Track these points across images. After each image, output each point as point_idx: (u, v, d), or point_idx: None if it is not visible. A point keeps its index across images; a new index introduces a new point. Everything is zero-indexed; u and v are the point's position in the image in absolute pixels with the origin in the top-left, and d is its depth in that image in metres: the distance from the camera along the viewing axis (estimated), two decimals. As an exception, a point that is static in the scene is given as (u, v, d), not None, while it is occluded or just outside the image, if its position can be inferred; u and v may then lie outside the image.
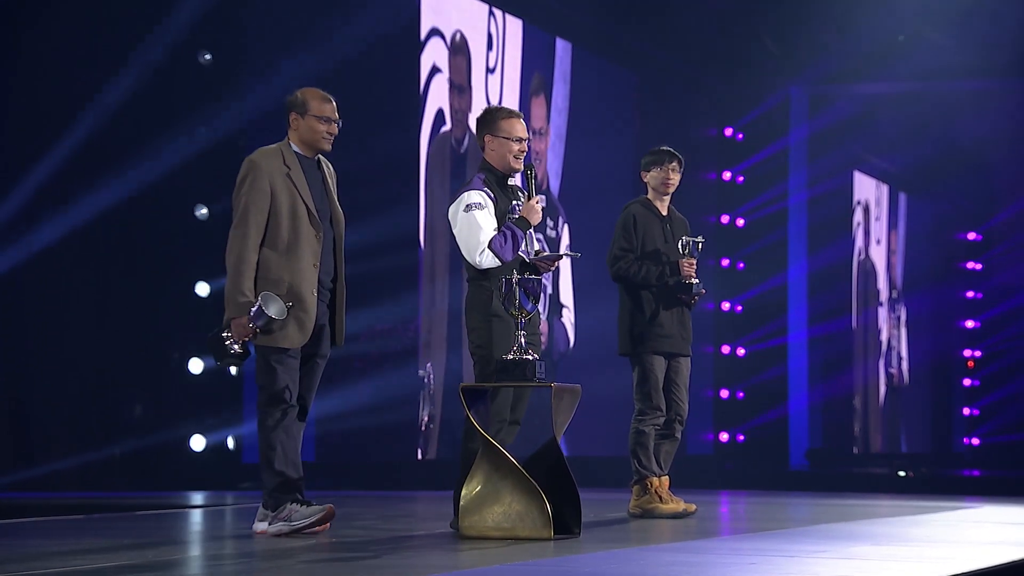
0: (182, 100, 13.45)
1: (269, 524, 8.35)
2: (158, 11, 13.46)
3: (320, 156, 8.60)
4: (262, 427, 8.32)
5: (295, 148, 8.44)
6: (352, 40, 14.25)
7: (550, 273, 9.04)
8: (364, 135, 13.84)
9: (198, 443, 13.70)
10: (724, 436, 21.62)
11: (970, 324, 27.16)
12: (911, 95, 23.32)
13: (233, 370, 8.50)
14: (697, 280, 10.54)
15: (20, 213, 12.97)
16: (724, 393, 21.56)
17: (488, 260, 8.69)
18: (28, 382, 13.19)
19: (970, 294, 27.21)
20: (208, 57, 14.01)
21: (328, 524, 8.31)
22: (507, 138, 8.91)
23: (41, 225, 12.94)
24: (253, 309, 7.95)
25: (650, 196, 10.68)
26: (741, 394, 21.85)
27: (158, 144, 13.18)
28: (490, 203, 8.79)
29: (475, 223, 8.72)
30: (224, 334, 8.12)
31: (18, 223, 13.01)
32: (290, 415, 8.35)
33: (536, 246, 8.94)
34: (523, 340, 8.58)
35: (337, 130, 8.55)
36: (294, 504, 8.24)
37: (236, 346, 8.12)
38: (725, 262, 21.13)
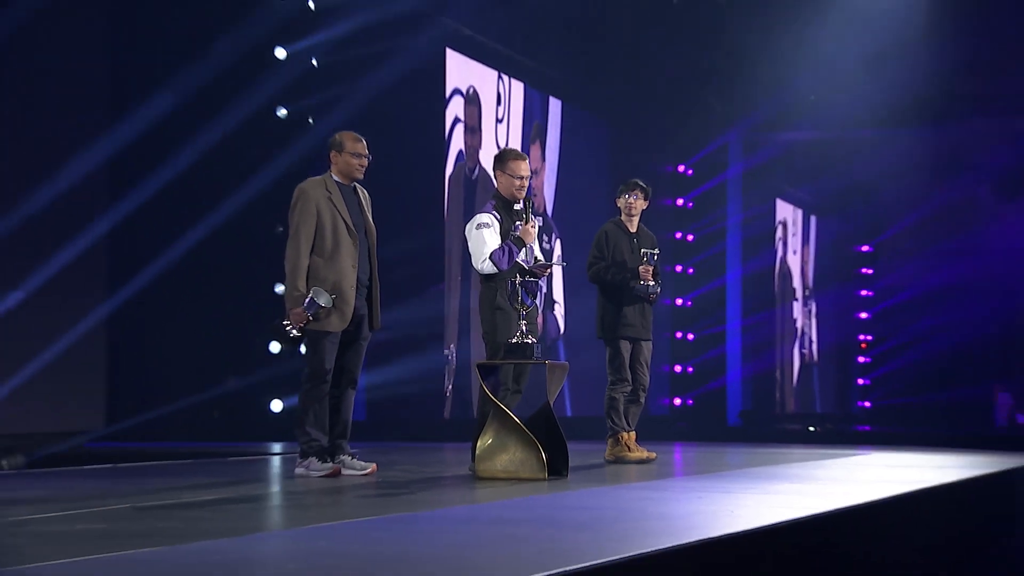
0: (262, 144, 13.42)
1: (296, 468, 8.55)
2: (249, 74, 13.46)
3: (356, 183, 8.73)
4: (302, 396, 8.55)
5: (335, 178, 8.64)
6: (394, 96, 14.23)
7: (545, 277, 9.03)
8: (403, 169, 13.88)
9: (276, 406, 13.73)
10: (677, 401, 21.62)
11: (864, 315, 27.06)
12: (819, 141, 23.29)
13: (303, 348, 8.48)
14: (653, 283, 10.53)
15: (154, 227, 13.11)
16: (677, 368, 21.57)
17: (488, 267, 8.91)
18: (154, 359, 13.28)
19: (864, 292, 27.10)
20: (284, 112, 13.96)
21: (339, 476, 8.39)
22: (512, 175, 9.07)
23: (168, 238, 13.02)
24: (306, 300, 8.15)
25: (622, 217, 10.69)
26: (691, 369, 21.84)
27: (248, 176, 13.16)
28: (496, 223, 8.96)
29: (482, 239, 8.92)
30: (284, 322, 8.30)
31: (153, 234, 13.12)
32: (325, 388, 8.52)
33: (537, 254, 9.00)
34: (524, 328, 8.66)
35: (367, 163, 8.69)
36: (314, 458, 8.42)
37: (294, 331, 8.29)
38: (679, 268, 21.13)
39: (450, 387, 15.10)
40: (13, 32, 11.67)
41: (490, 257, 8.82)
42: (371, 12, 14.12)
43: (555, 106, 18.31)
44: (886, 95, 19.74)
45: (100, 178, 12.71)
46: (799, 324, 25.66)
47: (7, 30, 11.58)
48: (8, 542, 5.21)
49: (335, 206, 8.46)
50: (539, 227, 9.13)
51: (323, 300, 8.18)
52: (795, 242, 25.64)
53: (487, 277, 9.03)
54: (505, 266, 8.84)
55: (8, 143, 11.88)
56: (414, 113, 15.13)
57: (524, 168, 9.14)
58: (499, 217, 8.98)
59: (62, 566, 4.40)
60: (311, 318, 8.23)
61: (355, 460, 8.68)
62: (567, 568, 4.04)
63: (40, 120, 12.21)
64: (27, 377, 11.77)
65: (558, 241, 17.71)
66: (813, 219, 26.32)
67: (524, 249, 8.94)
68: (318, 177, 8.66)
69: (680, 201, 21.89)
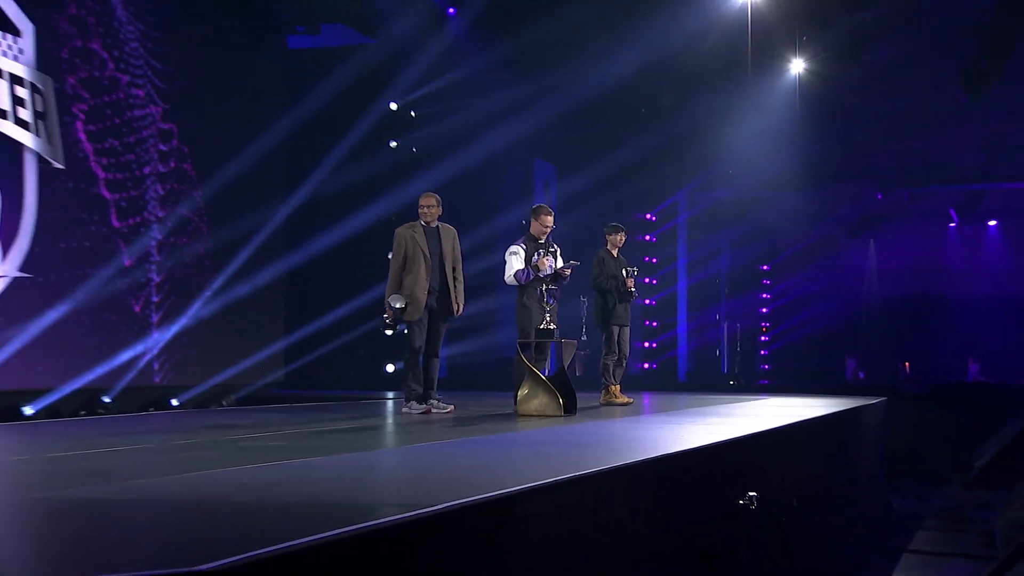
0: (380, 177, 13.36)
1: (402, 408, 8.60)
2: (363, 111, 13.23)
3: (438, 224, 8.68)
4: (405, 362, 8.61)
5: (420, 222, 8.62)
6: (480, 158, 14.23)
7: (564, 281, 9.07)
8: (490, 211, 13.84)
9: (390, 368, 13.76)
10: (645, 365, 21.60)
11: (764, 310, 26.97)
12: (735, 199, 23.29)
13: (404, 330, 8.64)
14: (633, 289, 10.60)
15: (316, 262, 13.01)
16: (645, 344, 21.58)
17: (511, 281, 8.92)
18: (315, 336, 13.13)
19: (764, 295, 27.00)
20: (393, 144, 13.91)
21: (429, 414, 8.39)
22: (542, 224, 9.05)
23: (302, 248, 12.95)
24: (391, 303, 8.29)
25: (609, 247, 10.69)
26: (654, 344, 21.89)
27: (368, 204, 13.12)
28: (521, 252, 8.94)
29: (510, 263, 8.91)
30: (384, 316, 8.53)
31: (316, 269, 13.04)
32: (419, 355, 8.55)
33: (560, 263, 9.00)
34: (547, 319, 8.68)
35: (431, 212, 8.63)
36: (413, 402, 8.46)
37: (388, 320, 8.54)
38: (647, 280, 21.07)
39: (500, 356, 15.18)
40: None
41: (513, 275, 8.88)
42: (468, 112, 14.15)
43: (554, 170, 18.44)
44: (778, 168, 19.95)
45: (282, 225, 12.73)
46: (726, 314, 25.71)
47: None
48: (231, 453, 5.30)
49: (416, 240, 8.49)
50: (558, 252, 9.16)
51: (397, 303, 8.33)
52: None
53: (517, 286, 9.03)
54: (523, 282, 8.86)
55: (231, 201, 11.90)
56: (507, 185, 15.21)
57: (550, 220, 9.13)
58: (525, 248, 8.95)
59: (259, 469, 4.50)
60: (395, 315, 8.39)
61: (440, 403, 8.64)
62: (577, 473, 4.06)
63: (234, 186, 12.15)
64: (238, 347, 11.85)
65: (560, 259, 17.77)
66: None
67: (548, 267, 8.96)
68: (410, 222, 8.67)
69: (648, 236, 21.89)
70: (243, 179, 11.77)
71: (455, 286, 8.73)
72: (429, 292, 8.48)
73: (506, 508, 3.42)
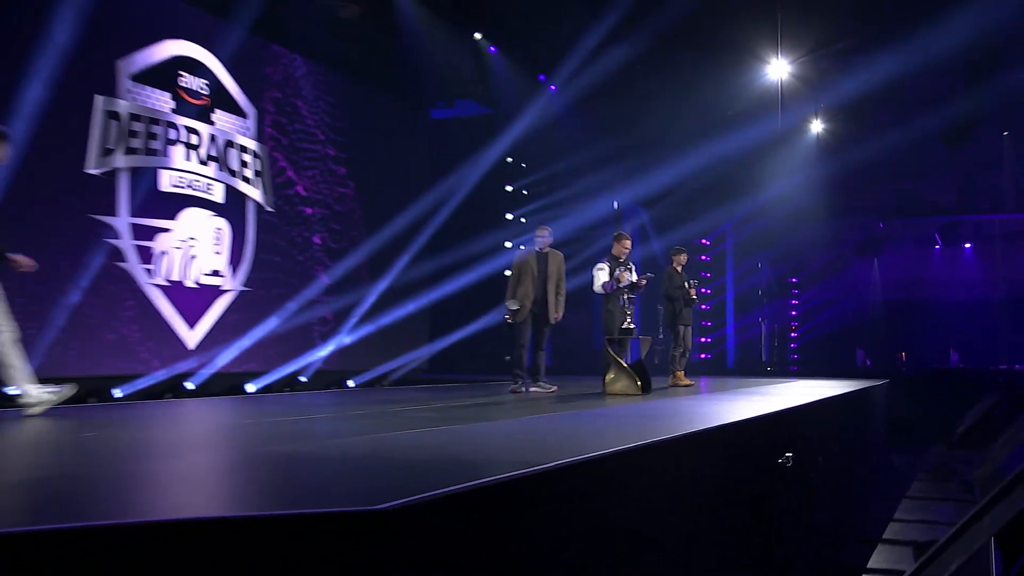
0: (499, 213, 13.21)
1: (509, 388, 8.55)
2: (486, 162, 13.11)
3: (548, 250, 8.53)
4: (512, 353, 8.52)
5: (535, 249, 8.47)
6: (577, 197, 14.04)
7: (640, 290, 8.93)
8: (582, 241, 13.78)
9: (507, 357, 13.73)
10: (702, 355, 21.28)
11: (793, 312, 26.47)
12: (773, 227, 22.97)
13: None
14: (695, 296, 10.50)
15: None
16: (702, 339, 21.27)
17: (599, 290, 8.73)
18: (454, 332, 13.11)
19: (794, 301, 26.50)
20: (509, 188, 13.81)
21: (530, 392, 8.23)
22: (622, 246, 8.90)
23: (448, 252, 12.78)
24: (507, 306, 8.25)
25: (674, 264, 10.56)
26: (708, 339, 21.56)
27: (490, 233, 13.11)
28: (606, 267, 8.76)
29: (598, 276, 8.72)
30: (504, 316, 8.46)
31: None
32: (523, 349, 8.48)
33: (633, 279, 8.87)
34: (628, 320, 8.58)
35: (544, 241, 8.49)
36: (519, 382, 8.39)
37: (507, 320, 8.44)
38: (703, 290, 20.71)
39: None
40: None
41: (601, 285, 8.75)
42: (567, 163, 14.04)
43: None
44: (802, 203, 19.75)
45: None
46: (765, 316, 25.23)
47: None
48: (391, 420, 5.36)
49: (528, 262, 8.39)
50: (633, 268, 9.04)
51: (512, 306, 8.32)
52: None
53: (606, 296, 8.87)
54: (609, 291, 8.71)
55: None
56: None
57: (628, 243, 9.02)
58: (608, 264, 8.85)
59: (412, 434, 4.49)
60: (510, 316, 8.34)
61: (545, 385, 8.55)
62: (653, 439, 4.03)
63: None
64: (395, 344, 11.92)
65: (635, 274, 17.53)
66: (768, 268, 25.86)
67: (627, 279, 8.85)
68: (527, 248, 8.59)
69: (704, 257, 21.60)
70: (397, 218, 11.91)
71: (556, 299, 8.56)
72: (533, 302, 8.40)
73: (599, 466, 3.40)
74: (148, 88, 8.32)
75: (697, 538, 4.33)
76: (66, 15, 7.64)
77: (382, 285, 11.62)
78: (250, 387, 9.32)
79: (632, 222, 17.75)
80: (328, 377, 10.62)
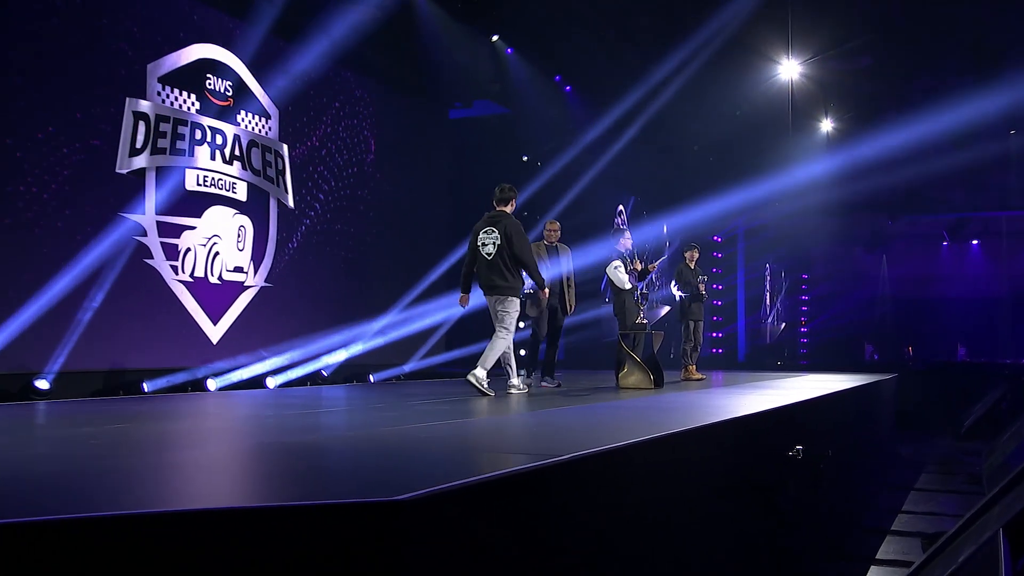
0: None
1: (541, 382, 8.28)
2: (503, 161, 13.01)
3: (557, 243, 8.41)
4: (528, 346, 8.32)
5: (545, 242, 8.38)
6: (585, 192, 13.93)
7: (651, 276, 8.87)
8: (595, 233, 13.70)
9: (522, 352, 13.64)
10: (714, 349, 21.21)
11: (805, 308, 26.39)
12: (783, 224, 22.87)
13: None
14: (704, 292, 10.48)
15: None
16: (714, 334, 21.18)
17: (627, 285, 8.68)
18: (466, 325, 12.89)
19: (804, 297, 26.42)
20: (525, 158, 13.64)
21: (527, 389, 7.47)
22: (624, 241, 8.86)
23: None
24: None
25: (687, 261, 10.58)
26: (720, 334, 21.47)
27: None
28: (622, 264, 8.73)
29: (616, 274, 8.71)
30: (528, 292, 7.81)
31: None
32: (539, 342, 8.37)
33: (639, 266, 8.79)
34: (642, 315, 8.54)
35: (554, 235, 8.35)
36: (539, 375, 8.17)
37: (530, 293, 7.94)
38: (715, 286, 20.73)
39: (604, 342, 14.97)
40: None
41: (627, 280, 8.69)
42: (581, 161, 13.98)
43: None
44: (812, 199, 19.69)
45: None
46: (772, 315, 25.09)
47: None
48: (409, 413, 5.34)
49: (540, 256, 8.03)
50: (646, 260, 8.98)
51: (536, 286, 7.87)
52: (772, 274, 25.07)
53: (619, 290, 8.79)
54: (635, 283, 8.68)
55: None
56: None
57: (628, 238, 8.98)
58: (620, 261, 8.82)
59: (423, 427, 4.47)
60: (541, 296, 7.64)
61: (550, 380, 8.35)
62: (665, 432, 3.99)
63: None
64: (412, 340, 11.87)
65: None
66: (779, 265, 25.70)
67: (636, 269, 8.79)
68: (536, 242, 8.30)
69: (717, 254, 21.53)
70: (416, 216, 11.89)
71: (568, 291, 8.41)
72: (550, 296, 8.05)
73: (615, 457, 3.38)
74: (175, 90, 8.34)
75: (710, 528, 4.29)
76: (100, 21, 7.67)
77: (406, 282, 11.55)
78: (271, 381, 9.32)
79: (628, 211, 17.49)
80: (347, 371, 10.60)
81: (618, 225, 9.10)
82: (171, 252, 8.29)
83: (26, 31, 7.06)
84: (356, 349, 10.68)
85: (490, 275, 6.98)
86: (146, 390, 7.84)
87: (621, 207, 16.86)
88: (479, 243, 7.08)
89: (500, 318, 7.01)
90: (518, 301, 7.09)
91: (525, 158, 13.82)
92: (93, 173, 7.56)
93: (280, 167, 9.68)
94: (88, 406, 5.96)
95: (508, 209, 7.17)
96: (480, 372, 6.88)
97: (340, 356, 10.38)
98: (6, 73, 6.93)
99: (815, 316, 26.49)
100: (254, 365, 9.17)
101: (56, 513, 2.16)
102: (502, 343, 7.00)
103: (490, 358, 6.96)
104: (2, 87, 6.90)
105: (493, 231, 7.04)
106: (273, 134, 9.60)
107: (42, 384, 7.05)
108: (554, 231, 8.48)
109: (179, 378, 8.28)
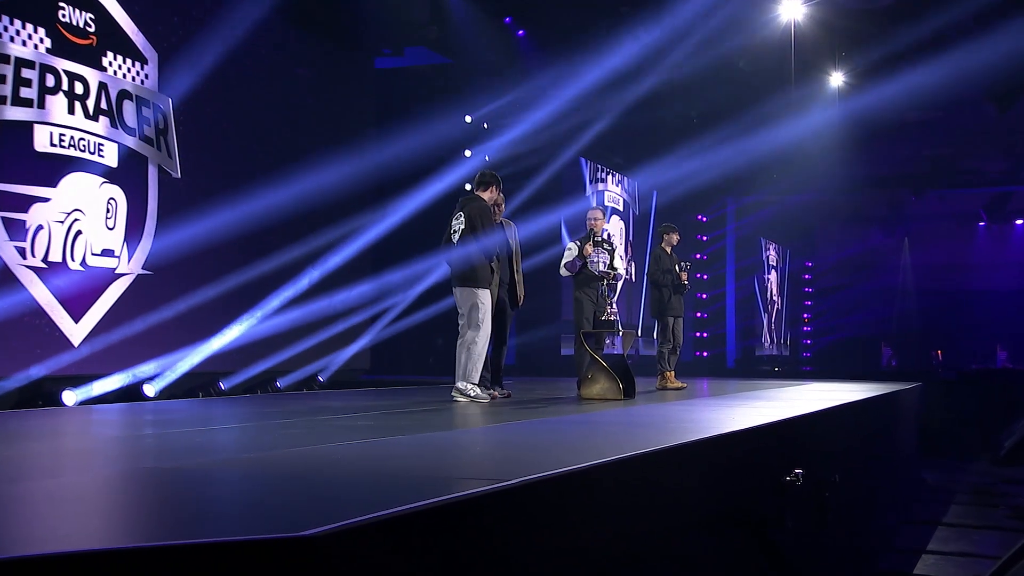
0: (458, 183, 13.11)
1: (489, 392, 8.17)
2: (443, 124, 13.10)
3: (501, 219, 8.37)
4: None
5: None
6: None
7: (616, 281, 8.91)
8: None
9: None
10: (698, 353, 21.50)
11: (808, 303, 26.84)
12: (783, 200, 23.16)
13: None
14: (687, 283, 10.60)
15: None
16: (698, 334, 21.47)
17: (562, 271, 9.07)
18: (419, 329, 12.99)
19: (808, 289, 26.87)
20: (467, 153, 13.66)
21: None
22: (593, 220, 8.96)
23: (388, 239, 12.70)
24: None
25: (663, 245, 10.74)
26: (705, 334, 21.77)
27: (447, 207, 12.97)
28: (575, 247, 8.96)
29: (565, 255, 9.00)
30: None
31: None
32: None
33: (618, 265, 8.88)
34: (610, 311, 8.60)
35: (499, 211, 8.29)
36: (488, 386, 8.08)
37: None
38: (699, 275, 20.99)
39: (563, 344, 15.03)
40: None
41: (564, 266, 8.95)
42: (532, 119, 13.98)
43: (627, 182, 18.24)
44: (818, 171, 19.90)
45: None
46: (773, 311, 25.41)
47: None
48: (322, 431, 5.32)
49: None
50: (617, 252, 9.05)
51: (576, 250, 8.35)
52: (773, 258, 25.40)
53: (577, 280, 8.94)
54: (572, 272, 8.95)
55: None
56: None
57: (599, 217, 9.15)
58: (579, 243, 8.99)
59: (335, 449, 4.47)
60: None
61: (499, 389, 8.33)
62: (637, 451, 4.04)
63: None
64: (332, 340, 11.78)
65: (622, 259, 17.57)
66: (782, 250, 26.10)
67: (599, 260, 8.87)
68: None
69: (703, 237, 21.80)
70: (337, 187, 11.81)
71: (516, 278, 8.46)
72: (499, 284, 8.21)
73: (574, 482, 3.41)
74: (16, 22, 8.15)
75: (690, 564, 4.35)
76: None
77: (315, 265, 11.46)
78: (149, 389, 9.24)
79: (592, 187, 17.56)
80: (251, 378, 10.53)
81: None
82: (16, 230, 8.13)
83: None
84: (257, 345, 10.60)
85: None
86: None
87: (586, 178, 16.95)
88: (450, 229, 7.80)
89: (467, 314, 7.52)
90: (476, 291, 7.52)
91: (469, 118, 13.81)
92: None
93: (161, 125, 9.55)
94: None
95: (485, 195, 7.89)
96: (462, 384, 7.57)
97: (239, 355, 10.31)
98: None
99: (820, 312, 26.84)
100: (131, 371, 9.07)
101: None
102: (477, 345, 7.50)
103: (470, 368, 7.53)
104: None
105: (460, 215, 7.74)
106: (151, 83, 9.47)
107: None
108: (498, 206, 8.47)
109: (27, 387, 8.16)
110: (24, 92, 8.17)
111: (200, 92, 10.02)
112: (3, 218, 8.04)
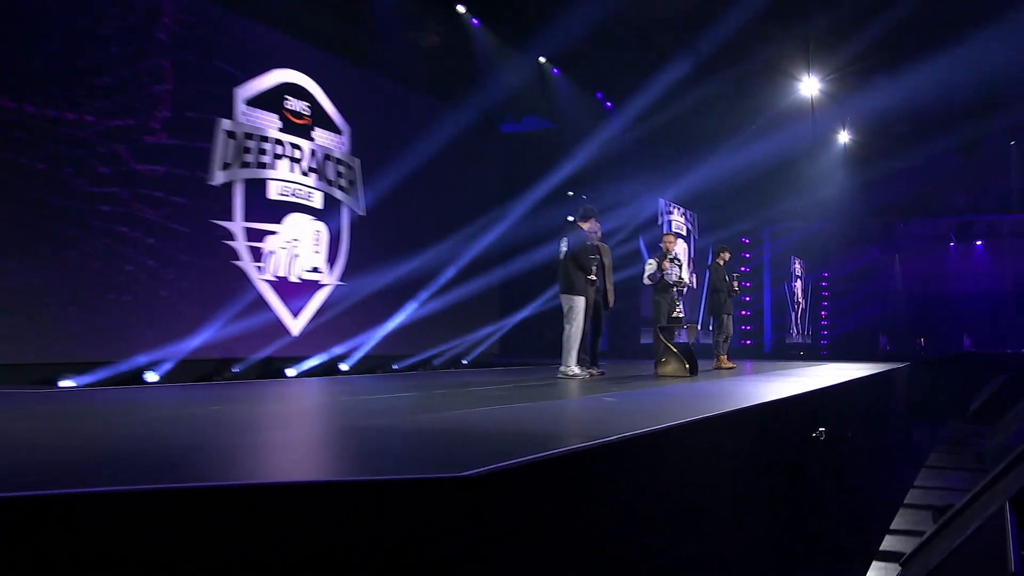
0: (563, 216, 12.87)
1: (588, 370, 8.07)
2: (550, 172, 12.77)
3: (598, 244, 8.09)
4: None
5: (586, 241, 7.82)
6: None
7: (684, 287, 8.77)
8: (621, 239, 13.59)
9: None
10: (744, 341, 20.97)
11: (825, 304, 26.05)
12: (810, 230, 22.62)
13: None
14: (737, 288, 10.40)
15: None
16: (743, 327, 20.95)
17: (645, 281, 8.82)
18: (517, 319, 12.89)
19: (825, 294, 26.07)
20: (571, 193, 13.34)
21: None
22: (666, 242, 8.82)
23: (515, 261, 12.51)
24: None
25: (718, 260, 10.50)
26: (748, 327, 21.21)
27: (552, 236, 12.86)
28: (655, 262, 8.73)
29: (646, 269, 8.80)
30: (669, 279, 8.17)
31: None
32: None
33: (685, 276, 8.76)
34: (678, 310, 8.47)
35: (596, 237, 7.95)
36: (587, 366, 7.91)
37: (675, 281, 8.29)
38: (746, 284, 20.40)
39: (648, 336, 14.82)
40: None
41: (648, 277, 8.71)
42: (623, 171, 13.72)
43: (688, 214, 17.90)
44: (831, 205, 19.50)
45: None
46: (799, 310, 24.69)
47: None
48: (460, 400, 5.37)
49: (585, 252, 7.79)
50: (683, 266, 8.91)
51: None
52: (798, 271, 24.68)
53: (657, 287, 8.78)
54: (655, 282, 8.74)
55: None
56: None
57: (672, 240, 8.95)
58: (657, 260, 8.80)
59: (480, 412, 4.47)
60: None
61: (594, 369, 8.12)
62: (700, 416, 3.98)
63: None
64: (465, 326, 11.84)
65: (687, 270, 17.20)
66: (804, 263, 25.26)
67: (674, 273, 8.72)
68: (580, 237, 8.02)
69: (745, 254, 21.27)
70: (470, 219, 11.89)
71: (608, 286, 8.21)
72: (596, 291, 8.06)
73: (656, 438, 3.38)
74: (259, 111, 8.49)
75: (741, 503, 4.26)
76: (192, 54, 7.83)
77: (452, 276, 11.46)
78: (343, 366, 9.44)
79: (666, 218, 17.21)
80: (378, 360, 10.58)
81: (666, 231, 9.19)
82: (257, 254, 8.45)
83: (137, 69, 7.34)
84: (409, 335, 10.68)
85: None
86: (236, 373, 8.00)
87: (663, 212, 16.72)
88: (558, 252, 7.76)
89: (566, 314, 7.57)
90: (573, 297, 7.52)
91: (571, 193, 13.45)
92: (188, 185, 7.74)
93: (351, 178, 9.79)
94: (190, 391, 6.10)
95: (585, 225, 7.75)
96: (563, 367, 7.42)
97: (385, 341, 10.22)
98: (132, 111, 7.14)
99: (834, 309, 26.16)
100: (330, 352, 9.29)
101: (190, 481, 2.22)
102: (572, 337, 7.49)
103: (565, 353, 7.48)
104: (125, 120, 7.10)
105: (565, 240, 7.63)
106: (345, 149, 9.72)
107: (151, 377, 7.24)
108: (595, 231, 8.40)
109: (263, 365, 8.43)
110: (262, 159, 8.49)
111: (379, 155, 10.24)
112: (249, 247, 8.36)
